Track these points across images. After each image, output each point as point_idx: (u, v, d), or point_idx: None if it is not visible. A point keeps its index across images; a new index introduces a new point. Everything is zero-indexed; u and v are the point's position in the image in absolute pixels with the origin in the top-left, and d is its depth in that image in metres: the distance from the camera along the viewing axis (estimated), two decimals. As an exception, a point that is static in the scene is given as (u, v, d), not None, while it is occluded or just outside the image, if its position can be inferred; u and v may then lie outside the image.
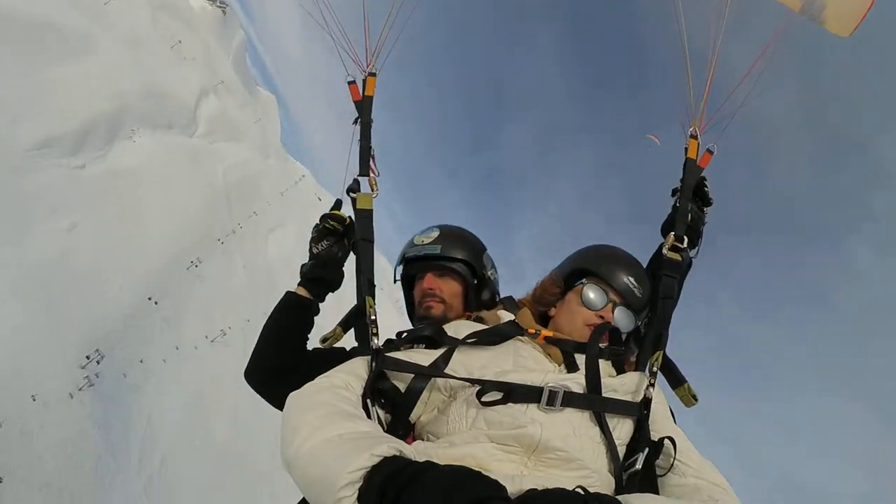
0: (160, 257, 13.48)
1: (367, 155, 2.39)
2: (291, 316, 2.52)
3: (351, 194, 2.37)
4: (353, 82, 2.53)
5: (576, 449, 1.75)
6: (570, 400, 1.83)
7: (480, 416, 1.81)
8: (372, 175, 2.37)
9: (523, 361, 1.99)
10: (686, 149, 2.49)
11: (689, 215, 2.42)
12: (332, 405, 1.63)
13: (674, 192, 2.51)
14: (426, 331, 2.13)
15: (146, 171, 15.51)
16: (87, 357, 10.39)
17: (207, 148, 24.25)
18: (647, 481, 1.81)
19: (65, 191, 12.01)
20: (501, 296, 2.82)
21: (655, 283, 2.36)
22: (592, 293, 2.28)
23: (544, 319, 2.42)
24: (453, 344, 2.02)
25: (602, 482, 1.76)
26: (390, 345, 2.16)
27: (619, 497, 1.39)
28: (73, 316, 10.50)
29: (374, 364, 1.89)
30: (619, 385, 2.00)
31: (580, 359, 2.00)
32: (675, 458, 1.82)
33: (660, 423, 1.99)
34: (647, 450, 1.83)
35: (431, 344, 2.10)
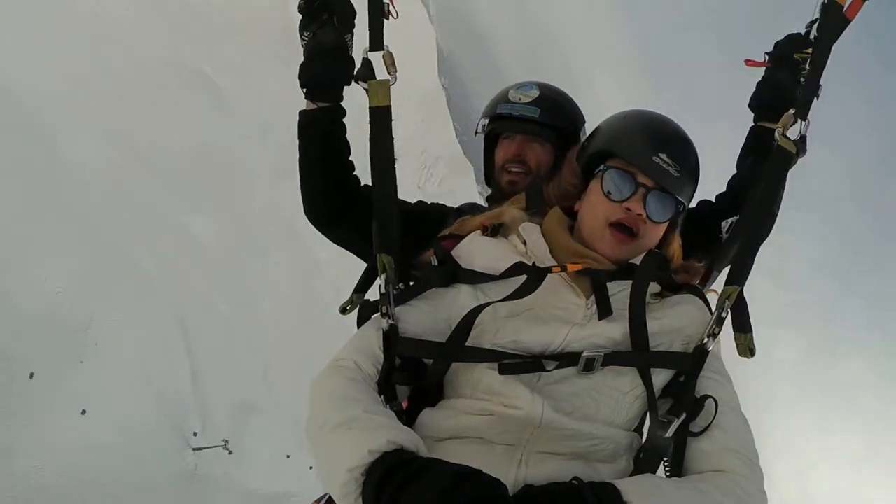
0: None
1: (379, 16, 1.76)
2: (315, 141, 2.23)
3: (362, 84, 1.85)
4: None
5: (589, 414, 1.63)
6: (610, 361, 1.64)
7: (484, 382, 1.67)
8: (387, 48, 1.76)
9: (551, 309, 1.73)
10: None
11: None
12: (337, 393, 1.57)
13: (784, 45, 2.07)
14: (442, 278, 1.81)
15: None
16: None
17: None
18: (676, 440, 1.63)
19: None
20: None
21: (741, 185, 2.02)
22: (614, 180, 1.82)
23: (573, 216, 2.01)
24: (471, 307, 1.72)
25: (616, 444, 1.64)
26: (402, 288, 1.86)
27: (615, 482, 1.37)
28: None
29: (387, 339, 1.68)
30: (667, 326, 1.72)
31: (615, 289, 1.72)
32: (713, 419, 1.60)
33: (707, 374, 1.70)
34: (683, 416, 1.60)
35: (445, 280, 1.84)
